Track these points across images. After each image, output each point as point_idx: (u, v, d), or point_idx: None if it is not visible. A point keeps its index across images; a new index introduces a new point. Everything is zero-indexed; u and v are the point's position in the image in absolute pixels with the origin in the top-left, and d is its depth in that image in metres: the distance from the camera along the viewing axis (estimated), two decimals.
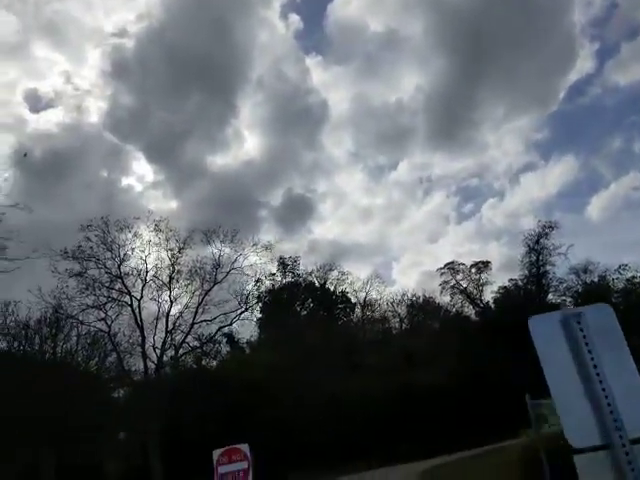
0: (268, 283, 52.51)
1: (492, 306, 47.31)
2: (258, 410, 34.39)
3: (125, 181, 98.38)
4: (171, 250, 28.92)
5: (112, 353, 27.64)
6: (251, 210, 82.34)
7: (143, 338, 27.77)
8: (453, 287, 46.20)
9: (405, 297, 49.05)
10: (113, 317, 28.48)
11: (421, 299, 47.89)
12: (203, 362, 38.85)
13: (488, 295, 47.97)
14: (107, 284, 27.94)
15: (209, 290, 30.17)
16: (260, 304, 45.16)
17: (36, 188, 73.67)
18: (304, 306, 61.21)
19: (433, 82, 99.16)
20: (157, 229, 28.62)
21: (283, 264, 53.68)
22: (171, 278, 29.07)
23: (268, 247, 32.68)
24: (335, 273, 59.18)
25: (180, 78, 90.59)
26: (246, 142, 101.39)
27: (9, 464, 22.47)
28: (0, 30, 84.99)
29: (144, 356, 27.83)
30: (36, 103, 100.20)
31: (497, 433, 32.15)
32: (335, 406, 37.38)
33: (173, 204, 76.58)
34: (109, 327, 27.95)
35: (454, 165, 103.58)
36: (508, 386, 36.81)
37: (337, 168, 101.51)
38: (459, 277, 46.35)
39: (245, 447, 12.68)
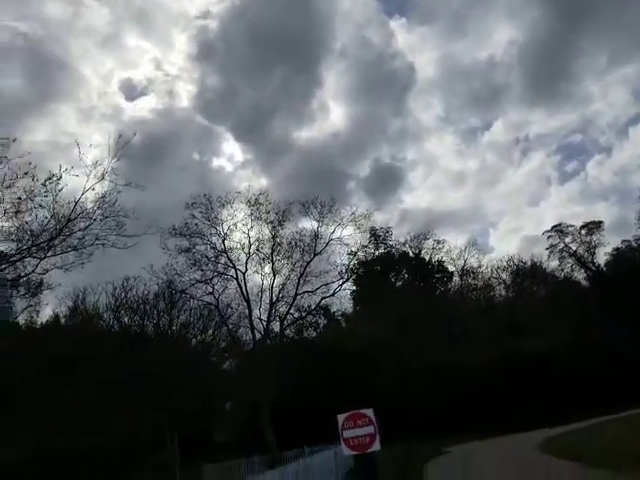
0: (361, 255, 51.86)
1: (604, 270, 44.24)
2: (360, 380, 34.46)
3: (216, 162, 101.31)
4: (271, 223, 29.35)
5: (221, 325, 28.58)
6: (339, 183, 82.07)
7: (250, 310, 28.55)
8: (561, 251, 43.69)
9: (510, 263, 46.86)
10: (220, 291, 29.47)
11: (528, 264, 45.56)
12: (305, 333, 39.30)
13: (601, 258, 44.98)
14: (213, 259, 28.96)
15: (310, 261, 30.38)
16: (354, 277, 44.67)
17: (136, 173, 77.79)
18: (399, 277, 60.46)
19: (527, 34, 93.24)
20: (257, 203, 29.03)
21: (375, 236, 52.73)
22: (273, 251, 29.54)
23: (366, 215, 32.12)
24: (430, 242, 57.58)
25: (263, 54, 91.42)
26: (331, 113, 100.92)
27: (136, 432, 23.79)
28: (94, 22, 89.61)
29: (252, 327, 28.60)
30: (131, 91, 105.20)
31: (612, 404, 30.34)
32: (438, 376, 36.75)
33: (263, 181, 78.13)
34: (217, 300, 28.94)
35: (554, 122, 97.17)
36: (624, 356, 34.54)
37: (426, 133, 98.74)
38: (568, 240, 43.76)
39: (370, 412, 12.41)
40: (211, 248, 29.10)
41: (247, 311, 28.63)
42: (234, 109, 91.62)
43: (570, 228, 44.98)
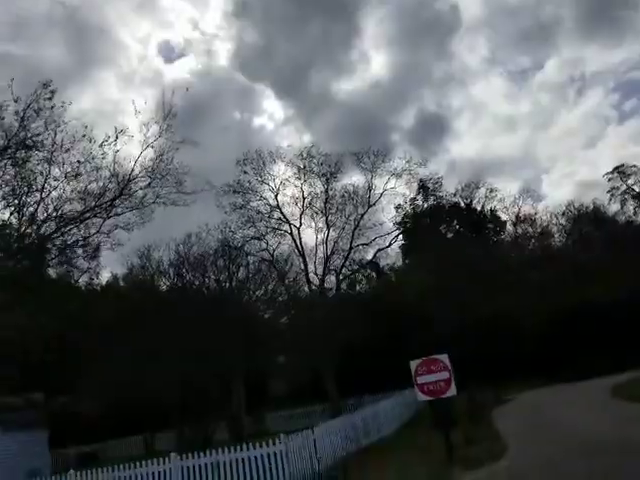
0: (409, 208, 50.88)
1: None
2: (414, 330, 34.39)
3: (257, 120, 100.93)
4: (324, 175, 29.02)
5: (278, 281, 28.77)
6: (383, 135, 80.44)
7: (305, 264, 28.69)
8: (623, 193, 41.66)
9: (570, 208, 45.07)
10: (274, 247, 29.73)
11: (590, 208, 43.66)
12: (358, 287, 39.28)
13: None
14: (266, 215, 29.11)
15: (364, 214, 30.14)
16: (403, 230, 44.13)
17: (180, 135, 78.19)
18: (449, 229, 59.47)
19: None
20: (309, 155, 28.71)
21: (423, 187, 51.59)
22: (326, 204, 29.34)
23: (421, 162, 31.37)
24: (482, 191, 55.92)
25: (300, 6, 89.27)
26: (372, 63, 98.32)
27: (202, 384, 24.45)
28: None
29: (308, 281, 28.79)
30: (169, 54, 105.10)
31: None
32: (495, 325, 36.23)
33: (305, 138, 77.22)
34: (272, 256, 29.17)
35: (612, 57, 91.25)
36: None
37: (472, 77, 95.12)
38: (631, 181, 41.60)
39: (444, 357, 12.28)
40: (264, 204, 29.22)
41: (303, 266, 28.82)
42: (273, 65, 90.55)
43: (633, 169, 42.73)
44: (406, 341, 33.55)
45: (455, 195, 57.14)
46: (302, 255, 28.79)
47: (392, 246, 32.25)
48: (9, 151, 17.08)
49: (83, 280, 23.28)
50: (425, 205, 55.66)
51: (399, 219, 39.74)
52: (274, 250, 29.32)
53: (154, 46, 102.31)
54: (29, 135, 16.91)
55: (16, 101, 16.98)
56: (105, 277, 34.87)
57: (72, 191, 19.25)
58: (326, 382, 27.73)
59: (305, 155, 28.84)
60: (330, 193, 29.41)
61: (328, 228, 29.22)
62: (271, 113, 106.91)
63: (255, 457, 11.51)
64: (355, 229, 29.72)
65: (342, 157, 29.77)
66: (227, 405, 21.97)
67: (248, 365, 23.77)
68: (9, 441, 25.92)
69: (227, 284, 25.42)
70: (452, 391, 11.94)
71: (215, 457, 11.84)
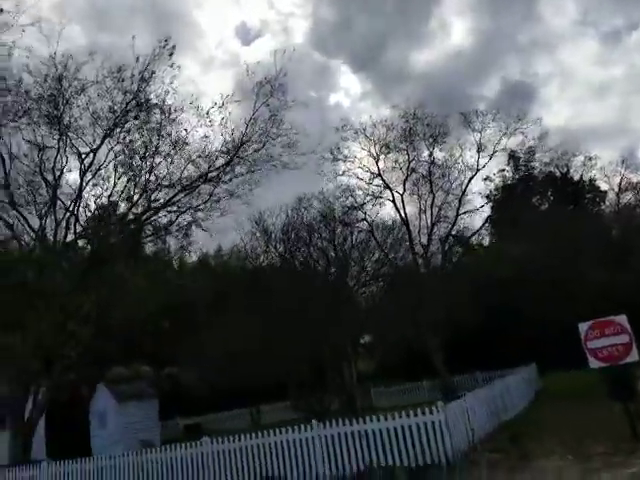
0: (498, 180, 48.04)
1: None
2: (511, 303, 32.42)
3: (334, 97, 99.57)
4: (431, 137, 27.40)
5: (380, 251, 27.62)
6: (466, 106, 76.88)
7: (409, 233, 27.38)
8: None
9: None
10: (373, 217, 28.63)
11: None
12: (462, 258, 37.41)
13: None
14: (368, 181, 28.03)
15: (472, 178, 28.43)
16: (491, 203, 41.61)
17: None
18: (543, 200, 56.15)
19: None
20: (415, 117, 27.12)
21: (513, 157, 48.58)
22: (430, 169, 27.80)
23: (535, 121, 29.22)
24: (579, 159, 52.01)
25: None
26: (452, 31, 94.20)
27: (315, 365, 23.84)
28: None
29: (412, 251, 27.48)
30: (246, 35, 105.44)
31: None
32: (606, 300, 33.49)
33: (385, 112, 74.93)
34: (371, 226, 28.06)
35: None
36: None
37: (561, 42, 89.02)
38: None
39: (622, 319, 10.70)
40: (365, 171, 28.15)
41: (407, 235, 27.51)
42: (349, 40, 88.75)
43: None
44: (509, 314, 31.82)
45: (549, 165, 53.67)
46: (406, 224, 27.46)
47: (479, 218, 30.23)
48: (129, 114, 16.93)
49: (194, 251, 22.90)
50: (515, 176, 52.55)
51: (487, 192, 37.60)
52: (372, 220, 28.19)
53: (231, 29, 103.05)
54: (148, 97, 16.67)
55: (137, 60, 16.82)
56: (213, 248, 35.03)
57: (181, 159, 18.94)
58: (434, 357, 26.45)
59: (412, 115, 27.24)
60: (435, 157, 27.83)
61: (433, 194, 27.69)
62: (347, 89, 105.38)
63: (409, 426, 10.51)
64: (463, 194, 28.08)
65: (447, 119, 28.05)
66: (339, 378, 21.23)
67: (355, 338, 22.93)
68: (123, 412, 26.60)
69: (332, 255, 24.58)
70: (633, 356, 10.40)
71: (362, 425, 10.96)
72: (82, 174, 17.75)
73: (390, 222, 28.24)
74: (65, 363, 16.76)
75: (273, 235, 24.00)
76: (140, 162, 17.91)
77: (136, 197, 19.01)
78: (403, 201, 27.68)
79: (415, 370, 30.10)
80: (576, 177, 52.62)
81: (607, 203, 51.63)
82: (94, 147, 17.63)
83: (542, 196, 55.89)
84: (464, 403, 11.80)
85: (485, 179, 44.89)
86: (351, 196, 28.57)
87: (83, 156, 17.84)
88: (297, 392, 20.35)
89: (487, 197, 45.23)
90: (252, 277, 25.28)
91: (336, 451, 11.09)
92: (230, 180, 18.76)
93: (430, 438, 10.30)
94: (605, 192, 50.90)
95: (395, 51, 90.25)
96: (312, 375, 20.11)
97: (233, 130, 18.12)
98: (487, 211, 34.74)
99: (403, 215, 27.63)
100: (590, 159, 51.18)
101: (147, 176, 18.80)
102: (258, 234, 24.64)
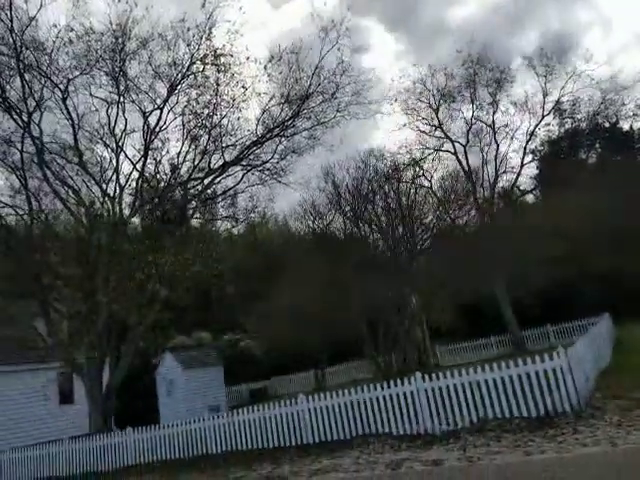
0: (543, 135, 45.63)
1: None
2: (585, 257, 31.01)
3: (367, 59, 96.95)
4: (496, 82, 25.97)
5: (440, 207, 26.65)
6: (504, 61, 73.46)
7: (473, 186, 26.29)
8: None
9: None
10: (432, 172, 27.61)
11: None
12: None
13: None
14: (430, 134, 26.96)
15: (537, 125, 27.06)
16: (537, 159, 39.55)
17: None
18: (590, 153, 53.63)
19: None
20: (479, 62, 25.69)
21: (559, 110, 46.03)
22: (493, 118, 26.48)
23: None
24: (629, 107, 49.01)
25: None
26: None
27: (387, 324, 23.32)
28: None
29: (476, 204, 26.42)
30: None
31: None
32: None
33: (422, 71, 72.25)
34: (430, 182, 27.11)
35: None
36: None
37: None
38: None
39: None
40: (425, 124, 27.03)
41: (471, 187, 26.43)
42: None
43: None
44: (581, 268, 30.50)
45: (597, 115, 51.06)
46: (469, 176, 26.35)
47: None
48: (192, 68, 16.31)
49: (257, 214, 22.30)
50: (561, 130, 50.04)
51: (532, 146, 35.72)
52: (431, 176, 27.18)
53: None
54: (214, 48, 15.97)
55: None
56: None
57: (239, 119, 18.27)
58: (503, 310, 25.58)
59: (475, 60, 25.82)
60: (498, 105, 26.45)
61: (497, 144, 26.44)
62: (381, 50, 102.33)
63: (527, 374, 9.83)
64: (528, 142, 26.73)
65: (510, 64, 26.59)
66: (410, 336, 20.69)
67: (424, 294, 22.28)
68: (189, 378, 26.78)
69: (394, 211, 23.76)
70: None
71: (474, 376, 10.32)
72: (146, 135, 17.28)
73: (450, 176, 27.12)
74: (142, 328, 16.60)
75: (342, 191, 23.18)
76: (202, 121, 17.31)
77: (197, 159, 18.52)
78: (466, 153, 26.50)
79: (479, 327, 29.25)
80: (625, 127, 49.99)
81: None
82: (158, 105, 17.08)
83: (589, 149, 53.47)
84: (581, 348, 11.04)
85: (531, 134, 43.00)
86: (409, 153, 27.62)
87: (147, 114, 17.33)
88: (374, 350, 19.86)
89: (532, 153, 43.10)
90: (318, 239, 24.72)
91: (445, 404, 10.54)
92: (293, 135, 18.06)
93: (552, 385, 9.60)
94: None
95: (430, 6, 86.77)
96: (386, 333, 19.59)
97: (297, 80, 17.27)
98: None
99: (466, 167, 26.46)
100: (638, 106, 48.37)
101: (208, 137, 18.26)
102: (328, 189, 23.75)
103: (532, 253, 26.32)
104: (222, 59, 15.92)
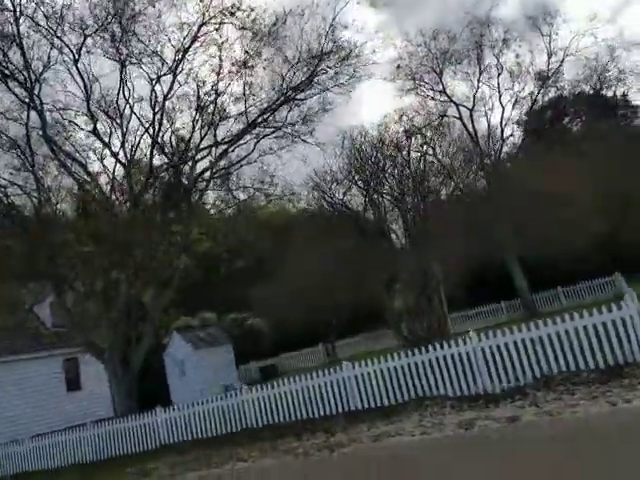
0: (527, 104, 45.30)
1: None
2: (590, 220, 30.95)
3: (344, 34, 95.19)
4: (503, 42, 25.43)
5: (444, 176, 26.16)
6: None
7: (481, 152, 25.80)
8: None
9: None
10: (436, 139, 27.03)
11: None
12: None
13: None
14: (433, 98, 26.33)
15: (542, 85, 26.57)
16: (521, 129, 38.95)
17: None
18: (574, 121, 53.58)
19: None
20: (480, 24, 25.08)
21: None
22: (498, 80, 25.95)
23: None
24: (612, 74, 48.68)
25: None
26: None
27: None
28: None
29: (483, 168, 25.94)
30: None
31: None
32: None
33: (404, 46, 71.06)
34: (434, 149, 26.57)
35: None
36: None
37: None
38: None
39: None
40: (429, 89, 26.40)
41: (479, 151, 25.98)
42: None
43: None
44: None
45: (580, 82, 50.76)
46: (475, 142, 25.88)
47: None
48: (203, 28, 15.52)
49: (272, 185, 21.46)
50: (545, 99, 49.62)
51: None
52: (436, 143, 26.60)
53: None
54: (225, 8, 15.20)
55: None
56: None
57: (245, 85, 17.54)
58: (514, 274, 25.37)
59: (477, 24, 25.24)
60: (503, 65, 25.93)
61: (502, 107, 26.02)
62: (359, 25, 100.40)
63: (594, 325, 9.52)
64: (533, 105, 26.29)
65: (513, 24, 26.07)
66: (432, 304, 20.32)
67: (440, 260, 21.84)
68: (200, 357, 26.32)
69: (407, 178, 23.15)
70: None
71: (535, 332, 9.99)
72: (153, 103, 16.48)
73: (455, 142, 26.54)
74: (161, 305, 16.04)
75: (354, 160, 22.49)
76: (213, 87, 16.59)
77: (205, 130, 17.80)
78: (472, 117, 26.03)
79: (481, 294, 28.89)
80: (610, 93, 49.79)
81: None
82: (170, 67, 16.24)
83: (573, 117, 53.34)
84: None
85: (515, 102, 42.32)
86: (410, 122, 27.00)
87: (155, 80, 16.52)
88: (396, 319, 19.50)
89: (517, 123, 42.42)
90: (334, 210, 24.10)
91: (505, 362, 10.21)
92: (304, 100, 17.41)
93: (621, 336, 9.31)
94: (637, 107, 48.12)
95: None
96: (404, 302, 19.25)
97: (309, 43, 16.59)
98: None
99: (472, 131, 25.99)
100: (621, 72, 48.16)
101: (214, 106, 17.53)
102: (342, 157, 23.01)
103: (538, 217, 26.13)
104: (238, 14, 15.15)
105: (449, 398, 10.62)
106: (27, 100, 15.93)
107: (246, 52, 16.08)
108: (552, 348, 9.85)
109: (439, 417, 9.83)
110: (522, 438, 7.67)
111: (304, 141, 18.01)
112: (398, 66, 25.65)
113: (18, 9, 14.71)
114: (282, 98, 16.96)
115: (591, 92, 52.23)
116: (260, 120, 17.23)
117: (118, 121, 17.18)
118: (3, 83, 15.95)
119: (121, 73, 16.20)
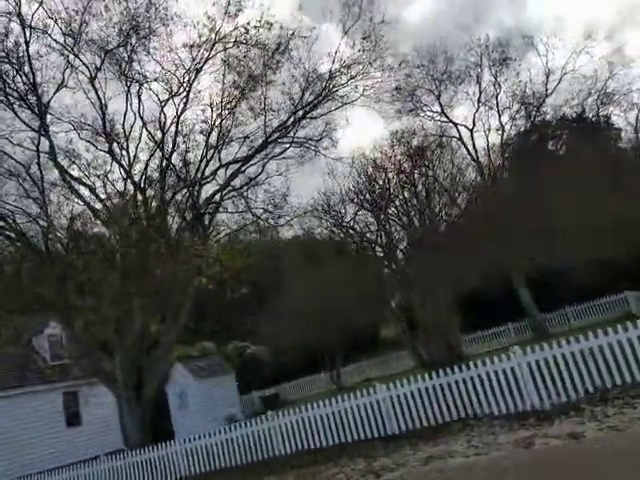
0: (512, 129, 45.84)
1: None
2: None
3: (325, 66, 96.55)
4: (499, 63, 25.70)
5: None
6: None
7: (481, 172, 25.84)
8: None
9: None
10: (435, 161, 27.08)
11: None
12: None
13: None
14: (431, 118, 26.40)
15: (539, 107, 26.87)
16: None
17: None
18: (559, 145, 54.51)
19: None
20: (484, 44, 25.33)
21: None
22: (497, 100, 26.11)
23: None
24: (593, 98, 49.73)
25: None
26: None
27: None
28: None
29: (486, 188, 25.92)
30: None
31: None
32: None
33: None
34: (433, 171, 26.57)
35: None
36: None
37: None
38: None
39: None
40: (428, 110, 26.51)
41: (478, 174, 26.06)
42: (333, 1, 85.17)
43: None
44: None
45: (561, 108, 51.73)
46: (477, 161, 25.94)
47: None
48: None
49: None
50: (527, 125, 50.45)
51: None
52: (434, 166, 26.62)
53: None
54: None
55: None
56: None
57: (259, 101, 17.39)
58: (520, 293, 25.07)
59: (476, 45, 25.55)
60: (499, 82, 26.04)
61: (502, 126, 26.16)
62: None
63: None
64: (532, 123, 26.43)
65: (509, 41, 26.36)
66: (452, 325, 19.96)
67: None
68: (202, 388, 25.51)
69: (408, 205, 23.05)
70: None
71: (585, 343, 9.62)
72: (162, 124, 16.25)
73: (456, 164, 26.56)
74: (176, 330, 15.47)
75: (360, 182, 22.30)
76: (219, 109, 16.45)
77: (214, 151, 17.54)
78: (472, 136, 26.12)
79: (489, 314, 28.36)
80: (592, 116, 50.72)
81: (626, 139, 49.88)
82: (182, 87, 16.07)
83: (558, 140, 54.13)
84: None
85: (497, 129, 42.62)
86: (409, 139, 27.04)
87: (165, 100, 16.35)
88: (412, 341, 19.09)
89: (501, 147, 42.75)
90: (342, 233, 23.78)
91: (553, 376, 9.85)
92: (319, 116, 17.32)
93: None
94: (620, 130, 49.05)
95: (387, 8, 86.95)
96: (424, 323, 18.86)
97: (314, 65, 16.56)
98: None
99: (473, 152, 26.06)
100: (606, 95, 49.11)
101: (224, 125, 17.36)
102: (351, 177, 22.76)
103: (542, 233, 25.99)
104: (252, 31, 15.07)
105: (495, 417, 10.19)
106: (37, 124, 15.58)
107: (264, 65, 15.93)
108: (604, 360, 9.52)
109: (489, 437, 9.37)
110: (596, 455, 7.27)
111: (325, 156, 17.85)
112: (397, 88, 25.69)
113: (28, 30, 14.41)
114: (299, 114, 16.83)
115: (574, 115, 53.26)
116: (276, 136, 17.04)
117: (123, 143, 16.88)
118: (10, 109, 15.61)
119: (128, 93, 16.02)
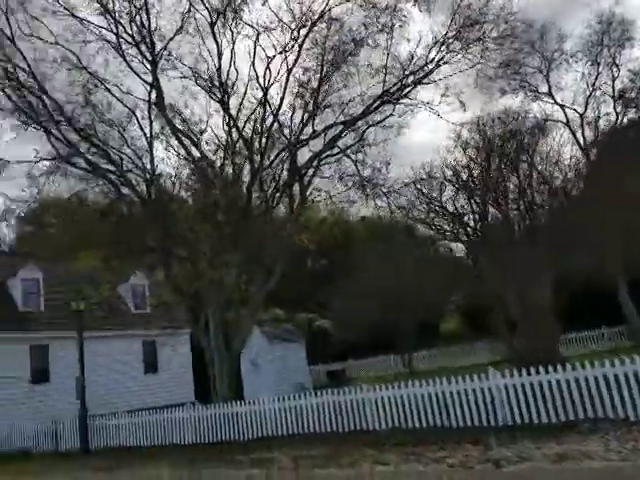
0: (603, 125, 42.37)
1: None
2: None
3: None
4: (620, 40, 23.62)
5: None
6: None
7: (589, 161, 24.02)
8: None
9: None
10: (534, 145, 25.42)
11: None
12: None
13: None
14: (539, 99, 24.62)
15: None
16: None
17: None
18: None
19: None
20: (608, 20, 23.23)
21: (621, 97, 42.66)
22: (613, 85, 23.87)
23: None
24: None
25: None
26: None
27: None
28: None
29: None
30: None
31: None
32: None
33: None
34: (531, 158, 24.98)
35: None
36: None
37: None
38: None
39: None
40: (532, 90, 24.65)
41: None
42: None
43: None
44: None
45: None
46: (584, 149, 24.01)
47: None
48: None
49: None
50: (624, 119, 46.71)
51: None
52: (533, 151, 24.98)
53: None
54: None
55: None
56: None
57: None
58: (620, 296, 23.31)
59: (600, 21, 23.39)
60: (620, 69, 23.94)
61: (617, 114, 23.98)
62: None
63: None
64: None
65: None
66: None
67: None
68: (275, 354, 25.43)
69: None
70: None
71: None
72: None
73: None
74: (266, 286, 15.24)
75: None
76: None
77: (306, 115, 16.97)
78: (582, 123, 24.20)
79: (585, 317, 26.27)
80: None
81: None
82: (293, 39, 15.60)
83: None
84: None
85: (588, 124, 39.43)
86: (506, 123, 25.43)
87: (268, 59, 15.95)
88: (507, 333, 18.08)
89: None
90: None
91: None
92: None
93: None
94: None
95: None
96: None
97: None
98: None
99: (581, 139, 24.18)
100: None
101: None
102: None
103: None
104: None
105: (631, 422, 9.23)
106: (149, 68, 15.49)
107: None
108: None
109: (630, 442, 8.46)
110: None
111: (447, 120, 17.22)
112: (503, 63, 23.99)
113: None
114: (409, 79, 15.99)
115: None
116: (384, 100, 16.27)
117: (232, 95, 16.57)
118: (121, 56, 15.60)
119: (233, 45, 15.70)
